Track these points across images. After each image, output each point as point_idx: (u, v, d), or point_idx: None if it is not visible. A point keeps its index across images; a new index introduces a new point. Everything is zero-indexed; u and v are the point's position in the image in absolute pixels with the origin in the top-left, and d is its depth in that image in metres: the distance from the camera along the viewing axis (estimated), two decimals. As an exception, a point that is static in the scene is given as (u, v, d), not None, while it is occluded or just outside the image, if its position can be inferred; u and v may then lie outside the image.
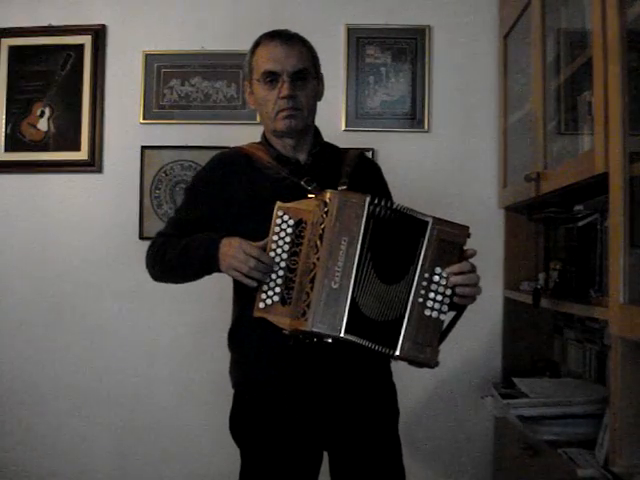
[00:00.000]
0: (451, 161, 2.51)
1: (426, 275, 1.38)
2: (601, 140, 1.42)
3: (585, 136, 1.72)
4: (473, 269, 1.41)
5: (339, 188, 1.47)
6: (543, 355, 2.37)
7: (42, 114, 2.59)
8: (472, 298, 1.42)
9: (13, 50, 2.61)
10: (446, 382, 2.47)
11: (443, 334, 1.41)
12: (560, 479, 1.59)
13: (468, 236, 1.42)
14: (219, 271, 1.45)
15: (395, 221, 1.39)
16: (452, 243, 1.40)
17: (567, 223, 1.98)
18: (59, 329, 2.57)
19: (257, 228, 1.41)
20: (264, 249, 1.39)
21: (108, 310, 2.57)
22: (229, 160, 1.59)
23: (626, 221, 1.33)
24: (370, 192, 1.40)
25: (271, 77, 1.50)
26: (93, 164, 2.58)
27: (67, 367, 2.57)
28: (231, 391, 1.58)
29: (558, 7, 1.95)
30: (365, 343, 1.35)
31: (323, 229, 1.36)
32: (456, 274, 1.38)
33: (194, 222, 1.55)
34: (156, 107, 2.58)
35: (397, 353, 1.36)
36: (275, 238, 1.39)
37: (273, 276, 1.38)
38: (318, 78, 1.58)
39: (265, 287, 1.38)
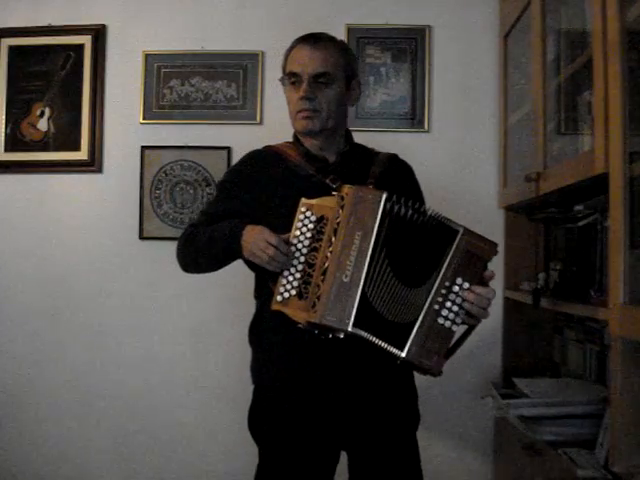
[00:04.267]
0: (451, 161, 2.51)
1: (447, 284, 1.37)
2: (601, 140, 1.42)
3: (585, 136, 1.73)
4: (491, 296, 1.39)
5: None
6: (543, 355, 2.37)
7: (42, 114, 2.59)
8: (477, 320, 1.41)
9: (13, 50, 2.61)
10: (446, 382, 2.44)
11: (452, 348, 1.40)
12: (560, 479, 1.59)
13: (495, 253, 1.41)
14: (243, 257, 1.47)
15: (420, 223, 1.39)
16: (478, 257, 1.39)
17: (567, 223, 1.98)
18: (59, 329, 2.57)
19: (283, 223, 1.43)
20: (286, 242, 1.40)
21: (108, 310, 2.56)
22: (260, 157, 1.64)
23: (626, 221, 1.33)
24: (399, 193, 1.40)
25: (294, 78, 1.55)
26: (93, 164, 2.58)
27: (67, 367, 2.57)
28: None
29: (558, 7, 1.95)
30: (374, 340, 1.34)
31: (338, 223, 1.37)
32: (474, 293, 1.37)
33: (224, 216, 1.57)
34: (156, 107, 2.58)
35: (403, 355, 1.34)
36: (297, 233, 1.41)
37: (292, 270, 1.39)
38: (348, 82, 1.59)
39: (284, 280, 1.39)
